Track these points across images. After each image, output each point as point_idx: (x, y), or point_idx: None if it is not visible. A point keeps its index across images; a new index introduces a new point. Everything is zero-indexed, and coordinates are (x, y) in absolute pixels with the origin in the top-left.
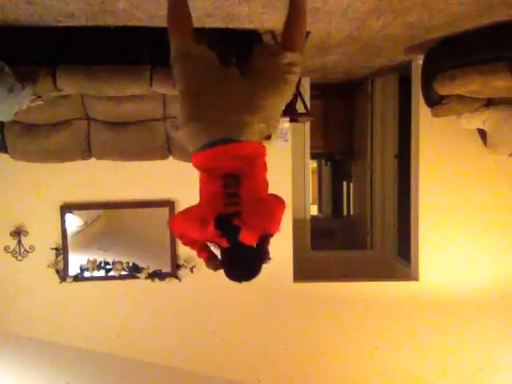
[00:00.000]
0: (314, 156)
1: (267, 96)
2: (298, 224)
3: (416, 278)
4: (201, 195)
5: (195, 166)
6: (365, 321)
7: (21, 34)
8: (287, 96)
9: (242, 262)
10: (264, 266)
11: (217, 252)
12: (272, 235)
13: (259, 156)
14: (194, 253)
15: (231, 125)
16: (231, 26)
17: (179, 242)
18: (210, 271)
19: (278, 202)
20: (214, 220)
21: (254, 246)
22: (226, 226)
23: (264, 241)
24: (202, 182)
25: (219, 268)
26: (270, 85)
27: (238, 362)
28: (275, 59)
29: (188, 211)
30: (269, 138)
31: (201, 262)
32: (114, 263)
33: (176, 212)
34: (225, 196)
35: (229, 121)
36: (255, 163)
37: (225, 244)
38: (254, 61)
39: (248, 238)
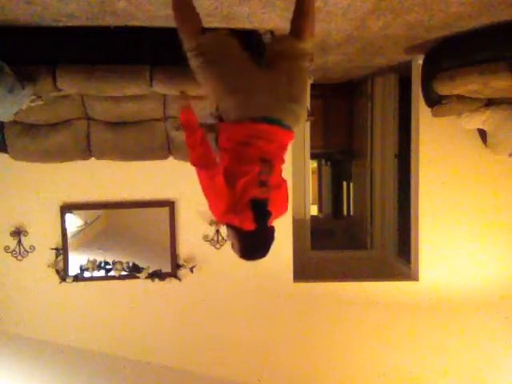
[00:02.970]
0: (314, 156)
1: (303, 86)
2: (298, 224)
3: (416, 278)
4: (229, 168)
5: (233, 130)
6: (365, 321)
7: (21, 33)
8: (306, 83)
9: (265, 243)
10: None
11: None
12: None
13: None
14: (194, 253)
15: (285, 110)
16: (231, 25)
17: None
18: (211, 271)
19: (286, 185)
20: (250, 204)
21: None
22: (262, 211)
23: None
24: (231, 148)
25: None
26: (301, 77)
27: (238, 361)
28: (291, 51)
29: (213, 180)
30: None
31: (201, 262)
32: (114, 263)
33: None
34: (258, 183)
35: (282, 106)
36: (285, 151)
37: (250, 227)
38: (271, 53)
39: (272, 222)
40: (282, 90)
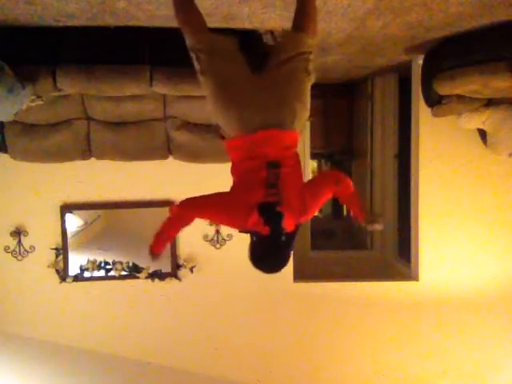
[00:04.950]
0: (313, 156)
1: (298, 88)
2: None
3: (416, 278)
4: (235, 182)
5: (235, 149)
6: (365, 321)
7: (21, 34)
8: (310, 83)
9: (281, 250)
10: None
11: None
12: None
13: (296, 146)
14: (194, 253)
15: (282, 112)
16: (231, 26)
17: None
18: (211, 271)
19: (321, 188)
20: (257, 208)
21: (293, 231)
22: (270, 212)
23: (298, 228)
24: (238, 168)
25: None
26: (296, 79)
27: (238, 362)
28: (295, 51)
29: (216, 199)
30: None
31: (201, 262)
32: (114, 263)
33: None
34: (266, 186)
35: (279, 108)
36: (293, 150)
37: (266, 232)
38: (274, 55)
39: (289, 224)
40: (279, 91)
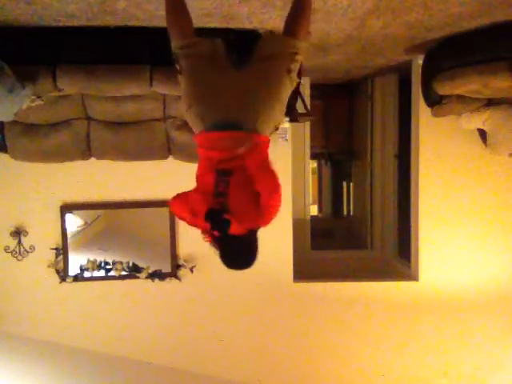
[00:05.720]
0: (314, 156)
1: (272, 85)
2: (297, 224)
3: (416, 278)
4: (196, 179)
5: (198, 146)
6: (365, 321)
7: (21, 34)
8: (292, 83)
9: (234, 251)
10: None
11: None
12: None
13: (264, 148)
14: (194, 253)
15: (246, 112)
16: (231, 26)
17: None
18: (211, 271)
19: (270, 198)
20: (204, 213)
21: (245, 234)
22: (216, 219)
23: (254, 232)
24: (199, 166)
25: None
26: (274, 75)
27: (238, 361)
28: (281, 49)
29: (184, 196)
30: (276, 129)
31: (201, 262)
32: (114, 263)
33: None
34: (214, 194)
35: (244, 108)
36: (257, 155)
37: (216, 234)
38: (258, 52)
39: (237, 230)
40: (250, 90)
